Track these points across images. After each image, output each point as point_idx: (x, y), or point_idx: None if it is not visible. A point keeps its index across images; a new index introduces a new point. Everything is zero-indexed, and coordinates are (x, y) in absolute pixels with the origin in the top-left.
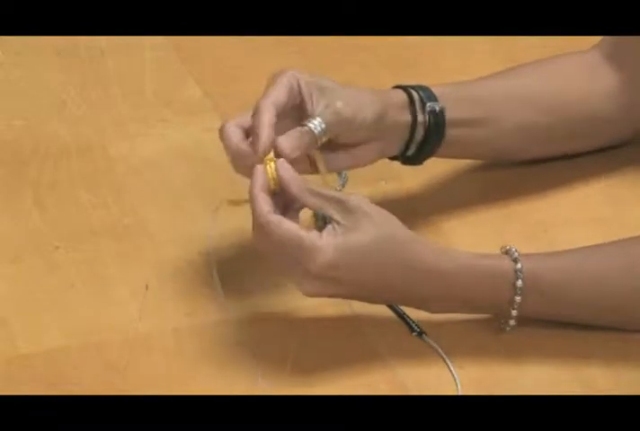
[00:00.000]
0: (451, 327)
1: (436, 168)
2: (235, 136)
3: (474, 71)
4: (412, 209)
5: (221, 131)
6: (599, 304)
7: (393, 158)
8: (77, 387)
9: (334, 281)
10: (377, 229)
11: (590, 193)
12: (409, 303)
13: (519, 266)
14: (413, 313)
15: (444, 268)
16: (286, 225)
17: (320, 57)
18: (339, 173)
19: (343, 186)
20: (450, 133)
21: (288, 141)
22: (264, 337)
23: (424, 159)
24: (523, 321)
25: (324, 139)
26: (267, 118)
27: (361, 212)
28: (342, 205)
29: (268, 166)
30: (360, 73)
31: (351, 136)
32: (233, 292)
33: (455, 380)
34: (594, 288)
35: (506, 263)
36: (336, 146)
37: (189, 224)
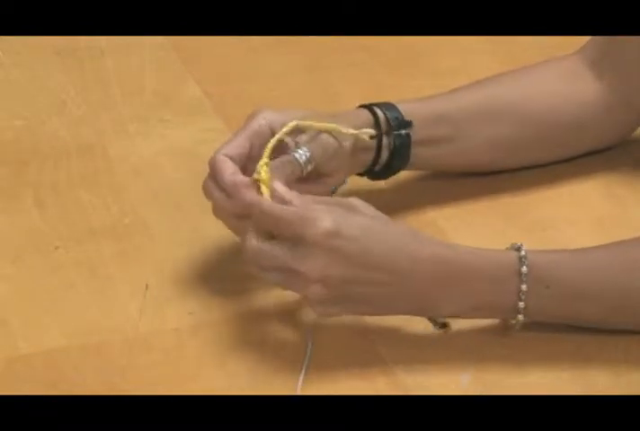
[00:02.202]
0: (452, 328)
1: None
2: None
3: (473, 71)
4: (410, 209)
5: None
6: (603, 301)
7: (359, 174)
8: (77, 387)
9: (338, 253)
10: (376, 216)
11: (589, 192)
12: (414, 301)
13: (522, 253)
14: None
15: (446, 256)
16: (281, 207)
17: (320, 57)
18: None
19: (335, 190)
20: (416, 151)
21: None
22: (265, 337)
23: (391, 175)
24: (527, 324)
25: (309, 168)
26: (229, 174)
27: (360, 205)
28: (341, 203)
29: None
30: (360, 73)
31: (329, 166)
32: (233, 291)
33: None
34: (598, 286)
35: (510, 252)
36: (311, 177)
37: (189, 224)
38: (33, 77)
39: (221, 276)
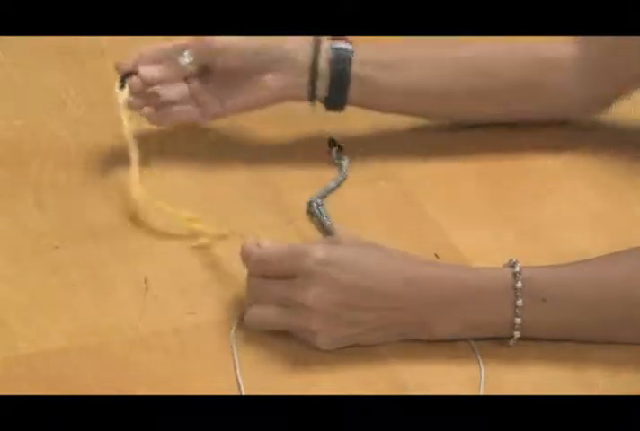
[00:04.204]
0: None
1: (435, 168)
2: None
3: None
4: (410, 209)
5: None
6: (603, 314)
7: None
8: (77, 387)
9: (332, 280)
10: (364, 243)
11: (587, 190)
12: (410, 324)
13: (517, 269)
14: None
15: (439, 276)
16: (273, 246)
17: None
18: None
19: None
20: (359, 70)
21: None
22: (265, 336)
23: (341, 98)
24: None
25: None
26: None
27: (344, 234)
28: (325, 240)
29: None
30: None
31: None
32: (234, 292)
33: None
34: (597, 298)
35: (504, 269)
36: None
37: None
38: (33, 77)
39: (221, 275)
